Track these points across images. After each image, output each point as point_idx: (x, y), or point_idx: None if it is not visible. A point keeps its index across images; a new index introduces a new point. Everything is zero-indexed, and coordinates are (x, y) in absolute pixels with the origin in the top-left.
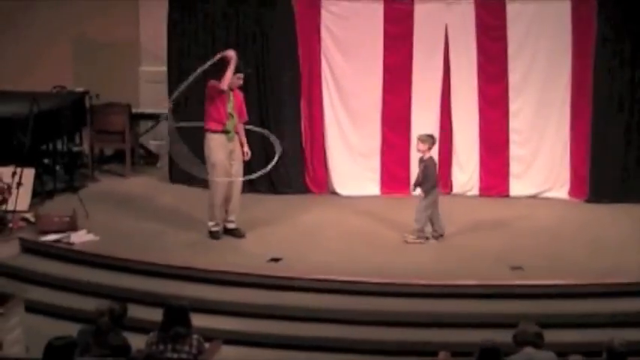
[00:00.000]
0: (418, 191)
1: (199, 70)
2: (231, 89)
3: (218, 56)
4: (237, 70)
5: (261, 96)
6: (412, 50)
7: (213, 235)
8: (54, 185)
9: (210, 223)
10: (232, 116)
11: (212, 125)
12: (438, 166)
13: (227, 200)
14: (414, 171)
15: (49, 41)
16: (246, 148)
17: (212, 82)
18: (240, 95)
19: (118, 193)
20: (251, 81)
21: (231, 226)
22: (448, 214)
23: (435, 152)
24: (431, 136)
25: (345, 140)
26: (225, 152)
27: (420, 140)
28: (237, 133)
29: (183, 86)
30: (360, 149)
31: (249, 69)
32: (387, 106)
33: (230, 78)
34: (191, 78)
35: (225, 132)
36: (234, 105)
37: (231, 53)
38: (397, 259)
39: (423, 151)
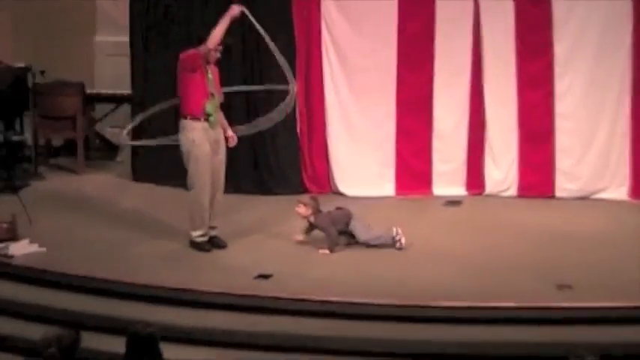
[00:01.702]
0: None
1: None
2: (207, 62)
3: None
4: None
5: (246, 73)
6: (434, 15)
7: (200, 246)
8: None
9: (195, 233)
10: (213, 96)
11: (192, 109)
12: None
13: (210, 202)
14: (437, 165)
15: None
16: (230, 132)
17: (188, 52)
18: (217, 71)
19: (68, 193)
20: (234, 53)
21: (212, 233)
22: (479, 219)
23: (462, 144)
24: (314, 199)
25: (351, 127)
26: (210, 142)
27: (302, 203)
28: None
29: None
30: (369, 138)
31: (231, 39)
32: (403, 85)
33: (219, 34)
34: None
35: (207, 116)
36: (213, 81)
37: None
38: (416, 275)
39: (307, 215)
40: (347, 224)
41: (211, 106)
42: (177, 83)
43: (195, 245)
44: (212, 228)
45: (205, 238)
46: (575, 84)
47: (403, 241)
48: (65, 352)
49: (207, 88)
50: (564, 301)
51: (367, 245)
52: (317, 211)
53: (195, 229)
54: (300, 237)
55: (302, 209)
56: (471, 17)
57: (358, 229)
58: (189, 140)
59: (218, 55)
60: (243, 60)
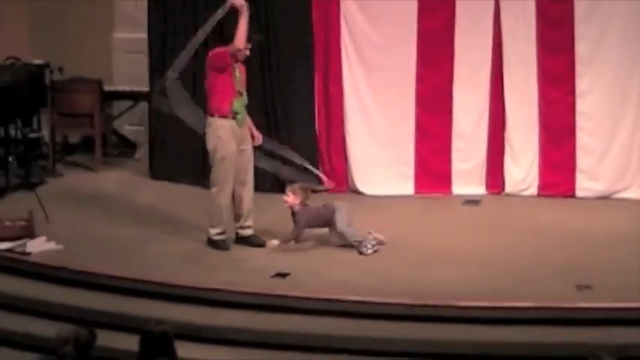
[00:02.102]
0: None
1: (203, 31)
2: (236, 60)
3: (226, 7)
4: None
5: (264, 70)
6: (454, 12)
7: (218, 244)
8: (6, 181)
9: (213, 231)
10: (241, 94)
11: (220, 107)
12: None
13: (239, 201)
14: (456, 164)
15: (0, 2)
16: (256, 132)
17: (217, 50)
18: (244, 68)
19: (85, 190)
20: (252, 52)
21: (247, 232)
22: (498, 218)
23: (482, 143)
24: (305, 190)
25: (370, 126)
26: (237, 140)
27: (291, 192)
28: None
29: (185, 55)
30: (388, 137)
31: (258, 36)
32: (422, 83)
33: (243, 33)
34: (196, 41)
35: (235, 114)
36: (241, 80)
37: (240, 1)
38: (433, 274)
39: (293, 204)
40: (329, 220)
41: (239, 104)
42: (205, 81)
43: (212, 243)
44: (246, 227)
45: (223, 237)
46: (597, 82)
47: (370, 250)
48: (81, 351)
49: (235, 86)
50: (584, 302)
51: (341, 238)
52: (303, 203)
53: (213, 227)
54: (275, 242)
55: (290, 198)
56: (491, 14)
57: (341, 218)
58: (216, 138)
59: (247, 52)
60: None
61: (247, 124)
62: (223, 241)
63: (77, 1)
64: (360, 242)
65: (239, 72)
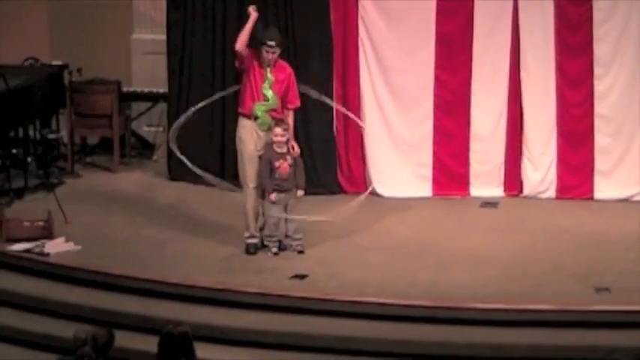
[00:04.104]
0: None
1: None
2: (268, 65)
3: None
4: (261, 41)
5: None
6: (473, 15)
7: (246, 248)
8: (25, 182)
9: (245, 234)
10: (267, 98)
11: (243, 107)
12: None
13: (259, 209)
14: (474, 166)
15: (20, 3)
16: (292, 143)
17: None
18: (286, 73)
19: (104, 191)
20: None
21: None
22: (516, 221)
23: (500, 145)
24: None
25: (388, 128)
26: (256, 143)
27: (283, 128)
28: (277, 120)
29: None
30: (406, 139)
31: (275, 39)
32: (440, 85)
33: (243, 37)
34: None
35: (255, 118)
36: (273, 84)
37: (250, 9)
38: (451, 276)
39: (285, 140)
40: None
41: (259, 108)
42: None
43: (245, 246)
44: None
45: (252, 241)
46: (616, 85)
47: (274, 249)
48: (99, 351)
49: (261, 89)
50: (602, 304)
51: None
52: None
53: (245, 230)
54: (301, 192)
55: (284, 133)
56: (509, 17)
57: (292, 206)
58: (238, 137)
59: (270, 56)
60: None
61: (279, 131)
62: (250, 244)
63: (96, 2)
64: (291, 237)
65: (272, 76)
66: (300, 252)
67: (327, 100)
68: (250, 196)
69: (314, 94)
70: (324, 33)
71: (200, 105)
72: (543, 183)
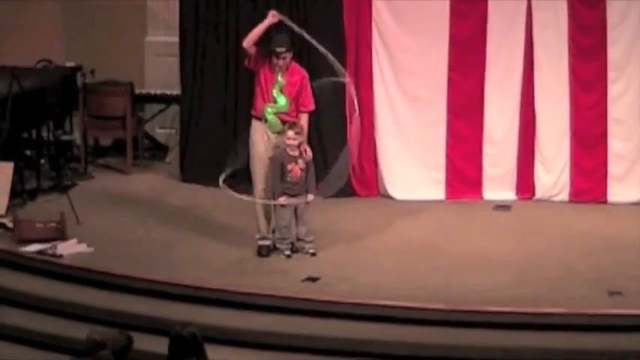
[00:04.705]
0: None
1: None
2: (280, 69)
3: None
4: (271, 48)
5: None
6: (486, 17)
7: (258, 250)
8: (37, 183)
9: (256, 235)
10: (276, 100)
11: (254, 108)
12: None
13: (270, 212)
14: (487, 169)
15: (33, 3)
16: (304, 146)
17: None
18: (299, 76)
19: (116, 193)
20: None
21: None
22: (529, 224)
23: (513, 148)
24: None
25: (401, 130)
26: (266, 145)
27: (296, 131)
28: (291, 123)
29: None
30: (419, 141)
31: (284, 44)
32: (453, 88)
33: (252, 36)
34: None
35: (265, 119)
36: (284, 87)
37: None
38: (464, 280)
39: (298, 143)
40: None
41: (268, 110)
42: None
43: (257, 247)
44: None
45: (265, 242)
46: (629, 88)
47: (287, 252)
48: (118, 355)
49: (270, 91)
50: (615, 308)
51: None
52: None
53: (257, 232)
54: (311, 196)
55: (297, 136)
56: (523, 20)
57: (303, 209)
58: (250, 138)
59: (281, 62)
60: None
61: (291, 134)
62: (262, 246)
63: (109, 4)
64: (303, 240)
65: (283, 79)
66: (313, 254)
67: (338, 66)
68: (260, 197)
69: (330, 58)
70: (337, 36)
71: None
72: (556, 186)
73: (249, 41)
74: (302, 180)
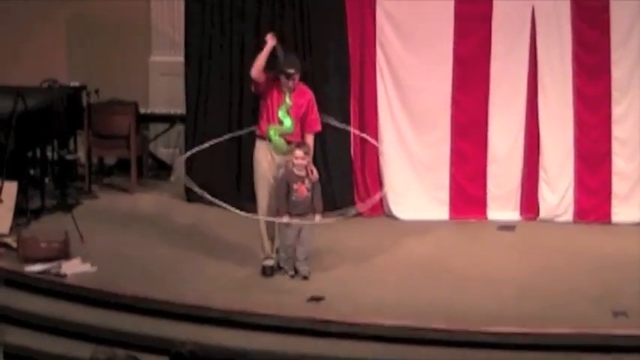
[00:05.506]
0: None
1: None
2: (288, 90)
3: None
4: (280, 69)
5: None
6: (490, 37)
7: (262, 269)
8: (42, 202)
9: (261, 255)
10: (282, 122)
11: (259, 127)
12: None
13: (274, 233)
14: (491, 189)
15: (38, 23)
16: (311, 167)
17: None
18: (306, 98)
19: (121, 212)
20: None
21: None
22: (533, 244)
23: (517, 168)
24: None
25: (405, 149)
26: (270, 164)
27: (303, 151)
28: (300, 143)
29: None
30: (423, 161)
31: (294, 66)
32: (457, 107)
33: (258, 64)
34: None
35: (269, 140)
36: (290, 108)
37: (268, 37)
38: (468, 299)
39: (306, 163)
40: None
41: (273, 130)
42: None
43: (262, 267)
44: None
45: (269, 262)
46: (634, 108)
47: (290, 272)
48: None
49: (276, 112)
50: (619, 328)
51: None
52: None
53: (261, 251)
54: (318, 217)
55: (305, 156)
56: (527, 39)
57: (307, 230)
58: (254, 157)
59: (291, 83)
60: None
61: (299, 154)
62: (267, 266)
63: (114, 23)
64: (303, 260)
65: (290, 101)
66: (305, 278)
67: (349, 128)
68: (263, 215)
69: (336, 123)
70: (342, 55)
71: (211, 142)
72: (560, 206)
73: (257, 71)
74: (307, 200)
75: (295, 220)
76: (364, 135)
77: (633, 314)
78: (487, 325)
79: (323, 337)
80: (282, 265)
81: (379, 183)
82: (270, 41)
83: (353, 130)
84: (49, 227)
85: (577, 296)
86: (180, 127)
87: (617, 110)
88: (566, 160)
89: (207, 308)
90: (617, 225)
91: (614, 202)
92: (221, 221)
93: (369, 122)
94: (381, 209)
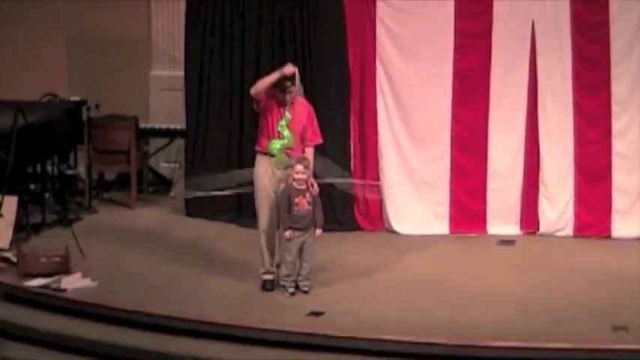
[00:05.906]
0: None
1: None
2: (287, 104)
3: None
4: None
5: None
6: (490, 53)
7: (262, 284)
8: (42, 217)
9: (260, 270)
10: (283, 136)
11: (259, 143)
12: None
13: (275, 247)
14: (491, 204)
15: (39, 39)
16: (311, 180)
17: None
18: (305, 111)
19: (121, 227)
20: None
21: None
22: (533, 258)
23: (517, 183)
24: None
25: (405, 165)
26: (271, 179)
27: (304, 165)
28: (299, 158)
29: None
30: (423, 176)
31: (290, 86)
32: (458, 123)
33: (260, 87)
34: None
35: (271, 155)
36: (290, 122)
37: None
38: (468, 314)
39: (307, 178)
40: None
41: (275, 146)
42: None
43: (262, 282)
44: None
45: (269, 277)
46: (634, 123)
47: (291, 289)
48: None
49: (277, 127)
50: (619, 343)
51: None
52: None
53: (261, 266)
54: (319, 231)
55: (306, 171)
56: (527, 54)
57: (309, 245)
58: (254, 172)
59: (288, 97)
60: None
61: (300, 169)
62: (267, 281)
63: (115, 38)
64: (305, 275)
65: (290, 114)
66: (305, 292)
67: (346, 181)
68: (265, 232)
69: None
70: (342, 71)
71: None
72: (560, 221)
73: (257, 91)
74: (309, 214)
75: (299, 234)
76: (367, 182)
77: (634, 329)
78: (487, 340)
79: (323, 352)
80: (282, 282)
81: (379, 198)
82: (287, 70)
83: (354, 181)
84: (49, 242)
85: (577, 311)
86: (180, 142)
87: (617, 125)
88: (566, 175)
89: (208, 323)
90: (617, 240)
91: (615, 216)
92: (221, 236)
93: (369, 138)
94: (381, 224)
